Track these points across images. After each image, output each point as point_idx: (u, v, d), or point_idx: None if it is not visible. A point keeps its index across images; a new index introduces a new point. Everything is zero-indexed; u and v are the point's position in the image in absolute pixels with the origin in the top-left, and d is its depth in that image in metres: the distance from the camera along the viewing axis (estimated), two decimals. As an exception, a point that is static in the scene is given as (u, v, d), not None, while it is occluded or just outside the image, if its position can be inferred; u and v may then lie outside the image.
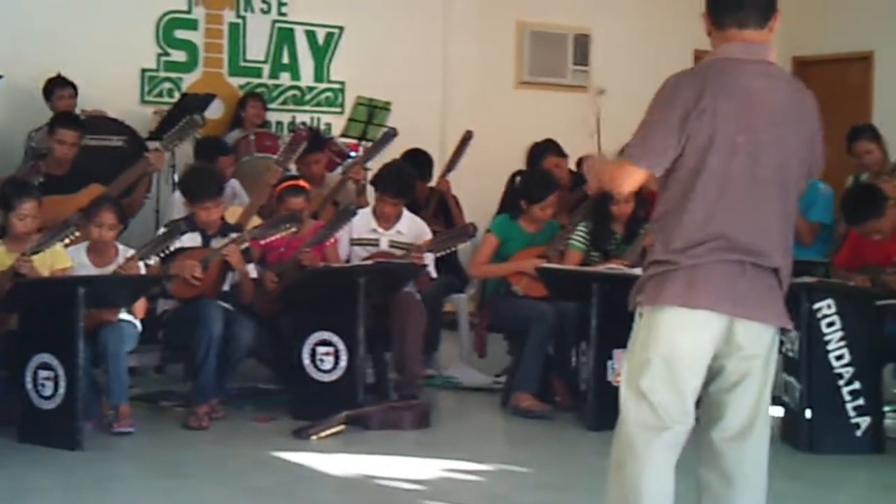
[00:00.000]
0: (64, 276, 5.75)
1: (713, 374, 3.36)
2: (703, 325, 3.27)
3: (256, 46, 9.18)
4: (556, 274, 6.28)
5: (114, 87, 8.32)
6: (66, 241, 5.71)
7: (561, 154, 7.99)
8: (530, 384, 6.28)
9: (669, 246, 3.29)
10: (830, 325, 5.56)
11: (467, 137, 8.12)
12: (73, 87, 7.81)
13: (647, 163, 3.32)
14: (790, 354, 5.72)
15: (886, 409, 5.94)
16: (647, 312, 3.33)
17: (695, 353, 3.29)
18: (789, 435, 5.76)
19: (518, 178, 7.51)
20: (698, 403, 3.41)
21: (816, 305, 5.57)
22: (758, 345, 3.35)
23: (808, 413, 5.58)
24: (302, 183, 6.77)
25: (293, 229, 6.25)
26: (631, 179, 3.37)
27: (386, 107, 8.69)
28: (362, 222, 6.78)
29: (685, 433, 3.34)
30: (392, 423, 5.93)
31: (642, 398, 3.30)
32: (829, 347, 5.56)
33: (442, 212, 8.00)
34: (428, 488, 4.99)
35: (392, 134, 7.72)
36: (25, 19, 8.11)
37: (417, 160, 7.85)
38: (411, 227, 6.82)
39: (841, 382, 5.56)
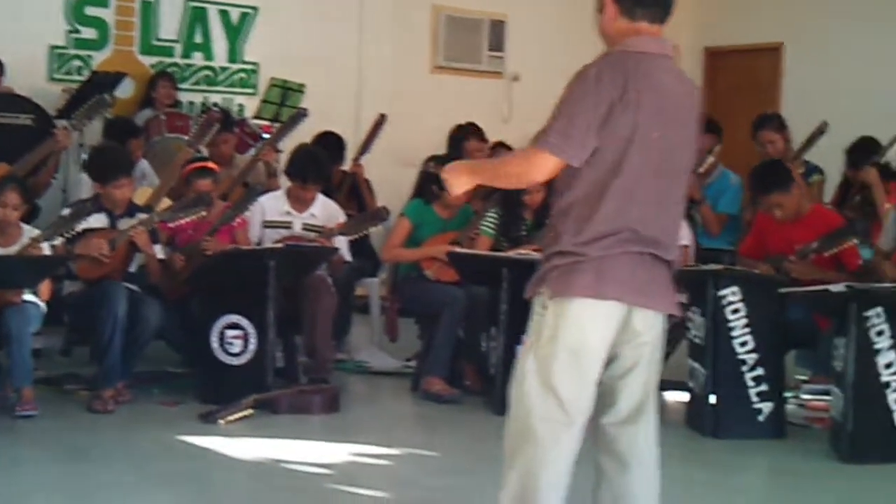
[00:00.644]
0: (-34, 256, 5.64)
1: (608, 361, 3.40)
2: (611, 315, 3.32)
3: (169, 25, 9.06)
4: (466, 259, 6.30)
5: (21, 63, 8.12)
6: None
7: (482, 139, 8.00)
8: (440, 369, 6.30)
9: (577, 237, 3.30)
10: (735, 311, 5.65)
11: (380, 121, 8.11)
12: (0, 64, 7.66)
13: (570, 154, 3.28)
14: (696, 341, 5.80)
15: (788, 394, 6.06)
16: (553, 304, 3.33)
17: (601, 344, 3.34)
18: (694, 420, 5.85)
19: (432, 163, 7.51)
20: None
21: (722, 292, 5.65)
22: (651, 331, 3.43)
23: (712, 398, 5.66)
24: (210, 164, 6.70)
25: (203, 213, 6.19)
26: (546, 169, 3.33)
27: (300, 89, 8.63)
28: (275, 205, 6.74)
29: (583, 428, 3.37)
30: (301, 408, 5.91)
31: (550, 392, 3.31)
32: (734, 334, 5.65)
33: (354, 196, 7.99)
34: (336, 472, 4.98)
35: (302, 115, 7.66)
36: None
37: (329, 143, 7.81)
38: (324, 211, 6.79)
39: (744, 368, 5.65)
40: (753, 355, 5.65)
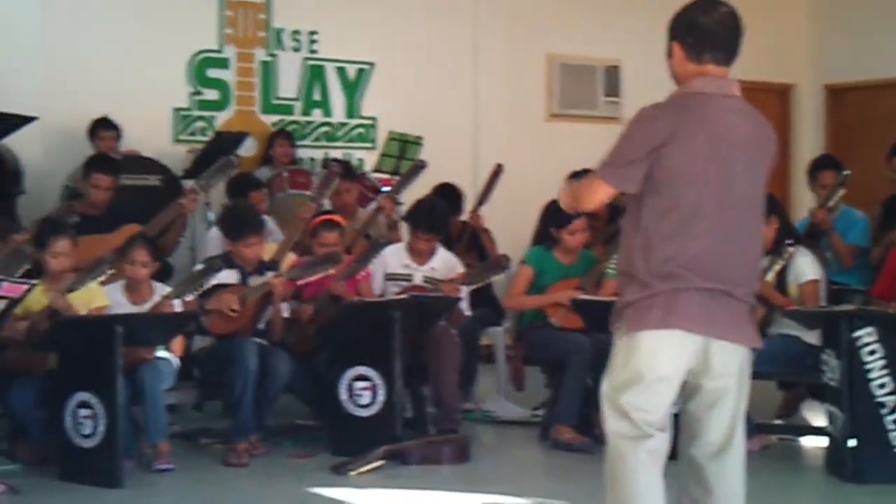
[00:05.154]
0: (101, 315, 5.77)
1: (691, 392, 3.58)
2: (679, 344, 3.48)
3: (288, 84, 9.23)
4: (592, 305, 6.25)
5: (148, 126, 8.38)
6: (100, 278, 5.74)
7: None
8: (569, 417, 6.24)
9: (647, 272, 3.48)
10: (872, 353, 5.48)
11: (498, 171, 8.12)
12: (117, 128, 7.89)
13: (615, 181, 3.52)
14: (832, 384, 5.65)
15: (931, 437, 5.85)
16: (627, 337, 3.52)
17: (671, 372, 3.50)
18: (833, 465, 5.69)
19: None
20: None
21: (857, 333, 5.50)
22: (731, 364, 3.55)
23: (851, 443, 5.50)
24: (336, 218, 6.79)
25: (331, 271, 6.25)
26: (596, 195, 3.59)
27: (417, 141, 8.71)
28: (396, 258, 6.78)
29: (666, 441, 3.54)
30: (431, 458, 5.90)
31: (623, 415, 3.52)
32: (871, 376, 5.48)
33: (475, 246, 8.00)
34: (469, 523, 4.96)
35: (421, 166, 7.73)
36: (61, 61, 8.20)
37: (447, 195, 7.85)
38: (445, 263, 6.81)
39: (884, 411, 5.47)
40: (892, 397, 5.47)
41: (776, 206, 6.45)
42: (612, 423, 3.57)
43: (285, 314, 6.28)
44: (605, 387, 3.61)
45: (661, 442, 3.52)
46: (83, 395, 5.45)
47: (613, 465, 3.57)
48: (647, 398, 3.49)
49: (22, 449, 5.80)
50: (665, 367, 3.48)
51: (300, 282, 6.25)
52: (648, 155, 3.44)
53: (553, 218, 6.77)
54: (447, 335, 6.44)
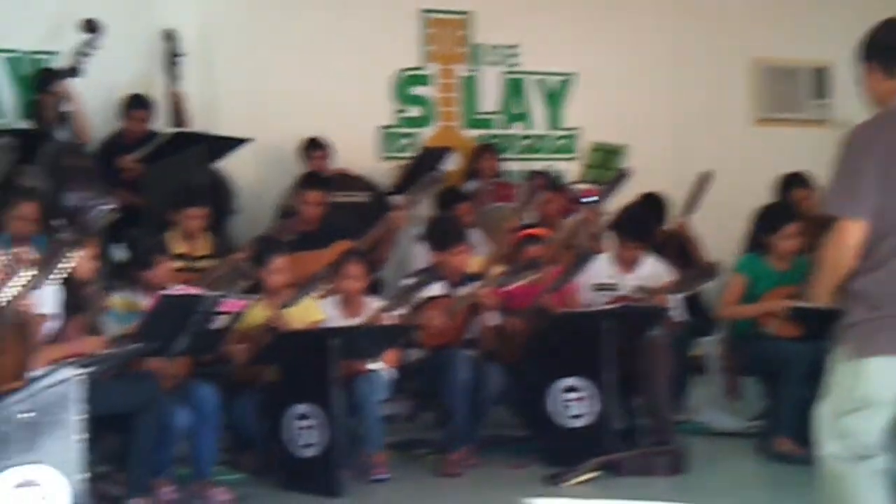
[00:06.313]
0: (318, 328, 5.92)
1: None
2: None
3: (489, 98, 9.29)
4: (810, 312, 6.05)
5: (355, 144, 8.55)
6: (315, 293, 5.90)
7: (808, 186, 7.72)
8: (788, 427, 6.05)
9: (876, 295, 3.41)
10: None
11: (706, 178, 7.96)
12: (327, 147, 8.10)
13: (860, 210, 3.40)
14: None
15: None
16: (852, 361, 3.46)
17: (893, 396, 3.44)
18: None
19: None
20: None
21: None
22: None
23: None
24: (538, 231, 6.80)
25: (536, 276, 6.26)
26: (851, 236, 3.43)
27: (621, 150, 8.63)
28: (602, 268, 6.75)
29: (888, 462, 3.45)
30: (645, 469, 5.83)
31: (842, 437, 3.46)
32: None
33: (682, 255, 7.86)
34: (688, 535, 4.88)
35: (624, 175, 7.66)
36: (271, 84, 8.44)
37: (652, 204, 7.76)
38: (652, 272, 6.74)
39: None
40: None
41: None
42: (829, 447, 3.49)
43: (493, 323, 6.31)
44: (825, 410, 3.53)
45: (882, 462, 3.44)
46: (302, 407, 5.60)
47: (831, 489, 3.48)
48: (871, 422, 3.44)
49: (246, 459, 5.99)
50: (888, 393, 3.43)
51: (507, 288, 6.27)
52: (875, 174, 3.38)
53: (764, 223, 6.61)
54: (658, 344, 6.36)
